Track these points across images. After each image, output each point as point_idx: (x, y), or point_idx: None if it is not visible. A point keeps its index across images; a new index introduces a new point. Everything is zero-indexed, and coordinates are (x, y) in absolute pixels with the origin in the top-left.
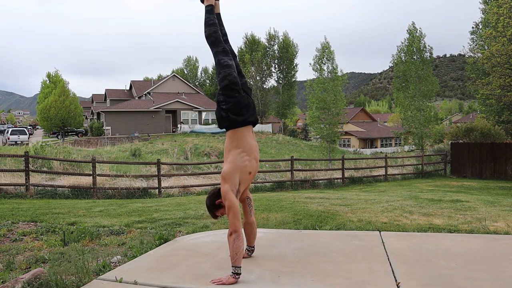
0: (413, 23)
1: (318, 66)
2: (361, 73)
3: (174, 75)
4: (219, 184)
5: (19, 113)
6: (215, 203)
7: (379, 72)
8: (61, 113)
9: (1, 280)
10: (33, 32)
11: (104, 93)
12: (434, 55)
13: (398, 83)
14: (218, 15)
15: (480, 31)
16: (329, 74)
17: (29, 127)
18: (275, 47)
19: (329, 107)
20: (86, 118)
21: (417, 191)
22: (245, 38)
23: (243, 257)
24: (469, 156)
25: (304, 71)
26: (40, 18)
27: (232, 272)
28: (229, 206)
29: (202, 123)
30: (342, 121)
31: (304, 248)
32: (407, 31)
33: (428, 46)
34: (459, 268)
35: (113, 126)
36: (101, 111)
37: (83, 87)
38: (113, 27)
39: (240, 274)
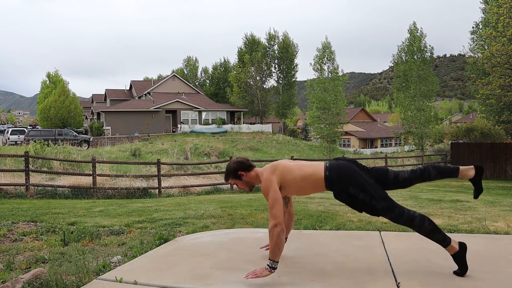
0: (414, 23)
1: (319, 66)
2: (361, 73)
3: (174, 75)
4: (220, 184)
5: (19, 113)
6: (237, 172)
7: (379, 72)
8: (61, 113)
9: (1, 280)
10: (21, 31)
11: (104, 93)
12: (434, 55)
13: (398, 83)
14: None
15: (480, 31)
16: (330, 74)
17: (29, 127)
18: (275, 47)
19: (329, 107)
20: (86, 118)
21: (417, 191)
22: (245, 38)
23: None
24: (469, 156)
25: (304, 71)
26: (26, 18)
27: (267, 265)
28: (275, 198)
29: (202, 123)
30: (342, 121)
31: (304, 248)
32: (408, 30)
33: (429, 46)
34: None
35: (113, 126)
36: (101, 111)
37: (72, 88)
38: (101, 28)
39: (276, 268)
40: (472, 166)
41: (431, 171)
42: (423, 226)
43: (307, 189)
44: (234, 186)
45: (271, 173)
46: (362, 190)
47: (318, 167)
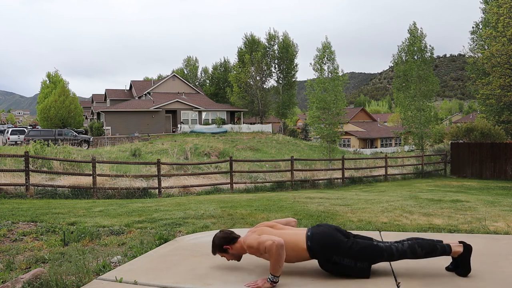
0: (414, 23)
1: (319, 66)
2: (361, 73)
3: (174, 75)
4: (220, 184)
5: (19, 113)
6: (222, 247)
7: (379, 72)
8: (61, 113)
9: (1, 280)
10: (21, 31)
11: (104, 93)
12: (434, 55)
13: (398, 83)
14: None
15: (481, 31)
16: (330, 74)
17: (29, 127)
18: (275, 47)
19: (329, 107)
20: (86, 118)
21: (417, 191)
22: (244, 38)
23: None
24: (469, 156)
25: (304, 71)
26: (26, 18)
27: (269, 279)
28: (261, 236)
29: (202, 123)
30: (342, 121)
31: None
32: (408, 30)
33: (429, 46)
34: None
35: (113, 126)
36: (101, 111)
37: (72, 88)
38: (101, 28)
39: (277, 282)
40: (460, 244)
41: (417, 250)
42: (417, 254)
43: (290, 257)
44: (234, 186)
45: (253, 234)
46: (347, 255)
47: (299, 237)
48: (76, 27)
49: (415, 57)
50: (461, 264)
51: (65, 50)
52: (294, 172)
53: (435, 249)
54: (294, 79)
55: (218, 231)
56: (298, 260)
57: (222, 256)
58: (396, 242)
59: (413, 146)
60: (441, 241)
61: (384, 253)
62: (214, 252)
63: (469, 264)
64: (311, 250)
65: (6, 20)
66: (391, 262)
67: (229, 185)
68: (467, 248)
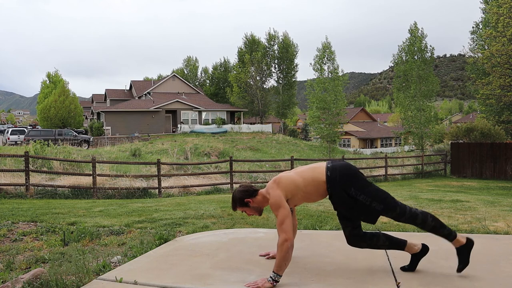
0: (415, 23)
1: (319, 66)
2: (361, 73)
3: (174, 75)
4: (220, 184)
5: (19, 113)
6: (244, 200)
7: (379, 72)
8: (61, 113)
9: (1, 280)
10: (21, 32)
11: (104, 93)
12: (434, 55)
13: (398, 83)
14: None
15: (481, 31)
16: (330, 74)
17: (29, 127)
18: (275, 47)
19: (329, 107)
20: (86, 118)
21: (417, 191)
22: (244, 38)
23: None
24: (469, 156)
25: (304, 71)
26: (26, 18)
27: (270, 277)
28: (284, 215)
29: (202, 123)
30: (342, 121)
31: (304, 248)
32: (409, 30)
33: (430, 46)
34: None
35: (113, 126)
36: (101, 111)
37: (72, 88)
38: (101, 28)
39: (278, 282)
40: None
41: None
42: (426, 222)
43: (312, 194)
44: (234, 186)
45: (277, 189)
46: (364, 192)
47: (319, 170)
48: (76, 27)
49: (415, 57)
50: (459, 257)
51: (65, 50)
52: None
53: (444, 227)
54: (294, 79)
55: (218, 230)
56: (319, 197)
57: (242, 211)
58: (411, 208)
59: (413, 146)
60: None
61: (398, 208)
62: (234, 208)
63: (467, 258)
64: (330, 180)
65: (6, 20)
66: (391, 262)
67: (229, 185)
68: (469, 241)
